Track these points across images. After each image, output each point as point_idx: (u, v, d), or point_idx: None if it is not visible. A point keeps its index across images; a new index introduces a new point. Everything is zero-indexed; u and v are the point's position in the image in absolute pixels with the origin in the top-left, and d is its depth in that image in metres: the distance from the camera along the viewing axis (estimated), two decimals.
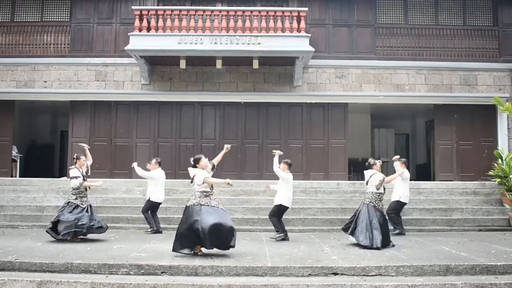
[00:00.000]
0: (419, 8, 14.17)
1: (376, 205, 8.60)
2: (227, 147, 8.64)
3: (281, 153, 9.52)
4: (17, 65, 13.67)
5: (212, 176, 7.97)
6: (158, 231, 10.05)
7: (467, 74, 13.76)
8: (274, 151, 9.47)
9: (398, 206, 10.22)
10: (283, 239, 9.09)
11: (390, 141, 18.36)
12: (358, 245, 8.55)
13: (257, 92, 13.64)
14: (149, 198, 10.14)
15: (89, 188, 9.50)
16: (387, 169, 17.66)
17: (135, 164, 10.27)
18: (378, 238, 8.20)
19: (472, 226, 11.03)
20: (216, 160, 8.48)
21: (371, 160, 9.00)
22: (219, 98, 13.70)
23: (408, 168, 10.59)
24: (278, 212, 9.28)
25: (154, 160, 10.38)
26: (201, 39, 12.43)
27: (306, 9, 12.95)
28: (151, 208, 10.17)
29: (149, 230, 10.06)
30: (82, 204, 8.91)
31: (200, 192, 7.55)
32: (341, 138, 13.82)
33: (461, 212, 11.53)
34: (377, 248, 8.05)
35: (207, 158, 7.97)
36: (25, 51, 13.81)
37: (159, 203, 10.28)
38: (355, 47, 13.87)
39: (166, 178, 12.84)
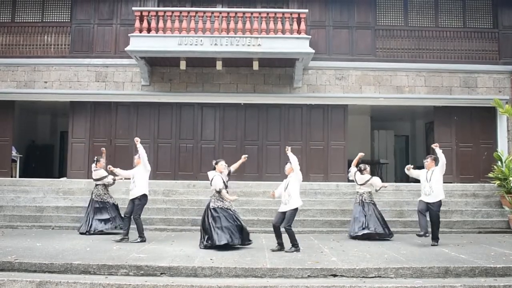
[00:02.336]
0: (419, 10, 14.20)
1: (374, 202, 9.96)
2: (244, 157, 9.21)
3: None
4: (17, 66, 13.69)
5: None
6: (125, 237, 8.99)
7: (467, 76, 13.78)
8: (287, 147, 8.78)
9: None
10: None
11: (390, 143, 18.36)
12: (357, 246, 8.58)
13: (257, 93, 13.65)
14: (144, 193, 9.11)
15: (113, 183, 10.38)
16: (387, 171, 17.74)
17: (117, 170, 9.67)
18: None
19: (472, 228, 11.03)
20: (233, 167, 9.04)
21: (362, 166, 10.05)
22: (219, 99, 13.71)
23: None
24: (294, 217, 8.49)
25: (137, 156, 9.40)
26: (201, 40, 12.45)
27: (306, 10, 12.96)
28: (144, 205, 9.26)
29: (138, 239, 8.92)
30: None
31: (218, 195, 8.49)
32: (341, 139, 13.82)
33: (461, 214, 11.54)
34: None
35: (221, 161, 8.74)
36: (25, 52, 13.83)
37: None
38: (355, 49, 13.88)
39: (166, 179, 12.97)
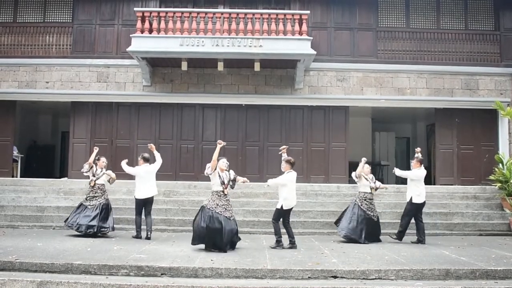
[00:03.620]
0: (420, 12, 14.20)
1: (359, 204, 9.56)
2: (244, 180, 8.81)
3: (286, 146, 9.35)
4: (19, 66, 13.71)
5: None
6: (138, 236, 9.40)
7: (469, 78, 13.78)
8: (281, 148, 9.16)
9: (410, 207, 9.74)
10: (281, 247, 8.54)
11: (391, 144, 18.36)
12: (358, 248, 8.58)
13: (258, 94, 13.66)
14: (134, 196, 9.74)
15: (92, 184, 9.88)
16: (388, 172, 17.72)
17: (124, 162, 9.90)
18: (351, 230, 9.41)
19: (472, 230, 11.03)
20: (238, 178, 8.62)
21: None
22: (220, 100, 13.72)
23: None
24: (278, 215, 8.81)
25: (140, 157, 9.88)
26: (202, 41, 12.47)
27: (308, 12, 12.96)
28: (138, 206, 9.59)
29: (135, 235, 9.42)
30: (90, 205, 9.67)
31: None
32: (342, 141, 13.82)
33: (462, 217, 11.52)
34: (355, 241, 9.27)
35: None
36: (27, 52, 13.84)
37: (142, 200, 9.54)
38: (357, 51, 13.89)
39: (167, 180, 12.93)
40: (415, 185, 9.56)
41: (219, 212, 8.16)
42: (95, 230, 9.36)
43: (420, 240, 9.41)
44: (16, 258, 6.83)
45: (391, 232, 10.52)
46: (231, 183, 8.44)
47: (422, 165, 9.76)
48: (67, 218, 9.69)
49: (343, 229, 9.47)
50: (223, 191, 8.30)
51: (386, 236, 10.12)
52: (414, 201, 9.49)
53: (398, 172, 9.86)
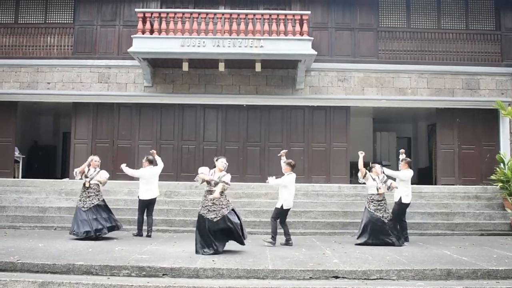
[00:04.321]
0: (421, 12, 14.19)
1: (368, 206, 9.36)
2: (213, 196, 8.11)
3: (286, 150, 9.77)
4: (20, 67, 13.72)
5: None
6: (139, 234, 9.75)
7: (470, 78, 13.77)
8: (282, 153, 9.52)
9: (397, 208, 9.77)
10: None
11: (392, 144, 18.35)
12: (359, 248, 8.59)
13: (259, 95, 13.66)
14: (138, 196, 9.99)
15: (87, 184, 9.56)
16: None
17: (123, 166, 9.96)
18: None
19: (474, 230, 11.02)
20: (217, 188, 8.04)
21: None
22: (222, 100, 13.73)
23: None
24: (278, 214, 9.01)
25: (144, 159, 10.14)
26: (203, 42, 12.47)
27: (309, 12, 12.96)
28: (141, 206, 9.85)
29: (135, 232, 9.87)
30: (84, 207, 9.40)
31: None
32: (343, 141, 13.82)
33: (463, 217, 11.51)
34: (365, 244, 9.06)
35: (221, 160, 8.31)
36: (28, 53, 13.86)
37: (146, 200, 9.81)
38: (358, 51, 13.88)
39: (168, 180, 12.95)
40: (404, 185, 9.63)
41: (202, 214, 8.02)
42: (106, 231, 9.35)
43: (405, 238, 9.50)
44: (17, 259, 6.84)
45: None
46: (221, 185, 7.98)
47: (410, 166, 9.85)
48: (72, 229, 9.31)
49: (356, 239, 9.39)
50: (210, 191, 8.00)
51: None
52: (403, 201, 9.55)
53: (387, 171, 9.89)
